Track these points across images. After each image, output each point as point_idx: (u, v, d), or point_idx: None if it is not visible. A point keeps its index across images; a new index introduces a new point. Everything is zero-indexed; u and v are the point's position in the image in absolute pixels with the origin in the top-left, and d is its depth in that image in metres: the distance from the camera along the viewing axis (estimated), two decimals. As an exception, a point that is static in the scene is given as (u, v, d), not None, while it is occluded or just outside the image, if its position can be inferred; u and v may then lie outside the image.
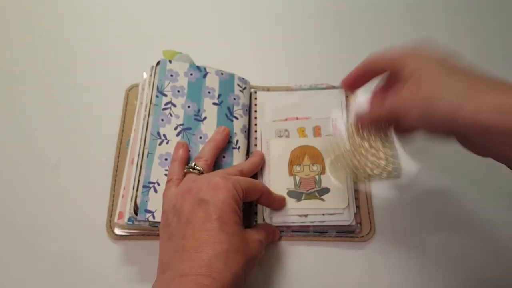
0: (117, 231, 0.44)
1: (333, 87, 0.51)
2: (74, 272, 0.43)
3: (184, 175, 0.41)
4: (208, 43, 0.57)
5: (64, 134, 0.51)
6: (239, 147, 0.46)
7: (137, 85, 0.52)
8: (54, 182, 0.48)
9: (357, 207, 0.44)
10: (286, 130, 0.48)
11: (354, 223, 0.43)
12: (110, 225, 0.45)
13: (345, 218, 0.42)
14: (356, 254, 0.43)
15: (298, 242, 0.44)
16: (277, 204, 0.43)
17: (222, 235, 0.33)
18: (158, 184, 0.42)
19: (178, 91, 0.47)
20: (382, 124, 0.37)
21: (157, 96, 0.46)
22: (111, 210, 0.46)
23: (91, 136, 0.51)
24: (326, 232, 0.44)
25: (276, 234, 0.43)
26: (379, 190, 0.46)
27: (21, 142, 0.51)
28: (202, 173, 0.40)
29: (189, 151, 0.44)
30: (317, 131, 0.47)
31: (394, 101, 0.33)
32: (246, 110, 0.49)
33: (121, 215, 0.43)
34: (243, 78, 0.50)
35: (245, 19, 0.60)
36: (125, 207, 0.43)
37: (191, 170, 0.40)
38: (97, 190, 0.47)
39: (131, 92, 0.52)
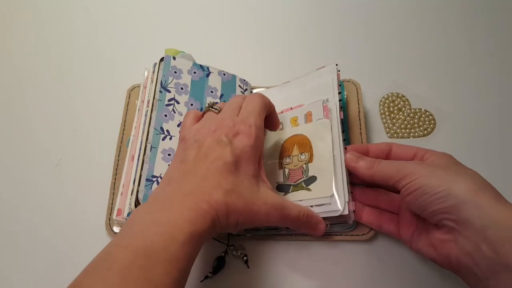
0: (116, 229, 0.44)
1: (323, 67, 0.49)
2: (73, 270, 0.42)
3: (203, 114, 0.42)
4: (208, 44, 0.58)
5: (66, 134, 0.52)
6: None
7: (138, 85, 0.53)
8: (55, 181, 0.49)
9: (352, 193, 0.41)
10: (281, 123, 0.47)
11: (346, 213, 0.38)
12: (109, 224, 0.45)
13: (334, 207, 0.39)
14: (355, 253, 0.42)
15: (297, 243, 0.43)
16: None
17: (231, 176, 0.35)
18: (161, 179, 0.41)
19: (182, 88, 0.47)
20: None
21: (160, 92, 0.46)
22: (110, 208, 0.46)
23: (92, 136, 0.52)
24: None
25: (318, 226, 0.40)
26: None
27: (23, 141, 0.52)
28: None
29: None
30: (308, 118, 0.45)
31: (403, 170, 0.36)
32: (247, 110, 0.49)
33: (119, 212, 0.42)
34: (244, 80, 0.51)
35: (244, 21, 0.61)
36: (124, 204, 0.42)
37: (210, 108, 0.42)
38: (97, 189, 0.47)
39: (133, 92, 0.53)
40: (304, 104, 0.47)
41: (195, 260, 0.41)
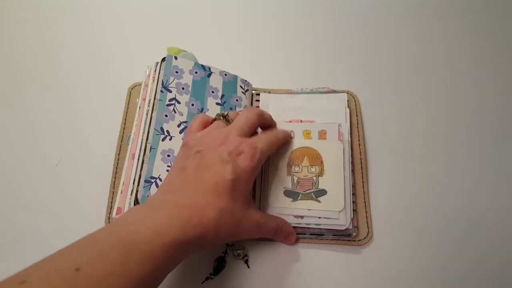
0: (115, 228, 0.44)
1: (334, 91, 0.51)
2: None
3: (211, 121, 0.42)
4: (208, 44, 0.57)
5: (66, 134, 0.51)
6: None
7: (139, 84, 0.52)
8: (55, 180, 0.48)
9: (355, 210, 0.45)
10: (292, 131, 0.48)
11: (350, 227, 0.43)
12: (108, 222, 0.45)
13: (341, 222, 0.43)
14: (353, 257, 0.44)
15: (295, 245, 0.44)
16: None
17: (226, 195, 0.35)
18: (160, 180, 0.42)
19: (183, 88, 0.47)
20: None
21: (161, 92, 0.45)
22: (110, 207, 0.45)
23: (92, 136, 0.51)
24: (323, 235, 0.44)
25: (290, 236, 0.43)
26: (378, 194, 0.47)
27: (23, 141, 0.51)
28: (229, 124, 0.42)
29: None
30: (322, 135, 0.48)
31: None
32: (248, 112, 0.50)
33: (119, 210, 0.42)
34: (245, 80, 0.51)
35: (244, 21, 0.61)
36: (124, 202, 0.42)
37: (221, 118, 0.42)
38: (97, 189, 0.47)
39: (134, 90, 0.52)
40: (316, 121, 0.49)
41: (195, 261, 0.42)
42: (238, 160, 0.37)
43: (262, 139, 0.41)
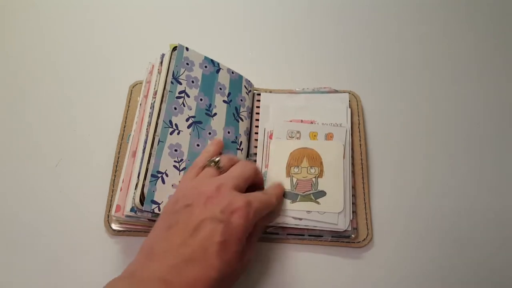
0: (114, 226, 0.44)
1: (336, 91, 0.52)
2: (73, 267, 0.43)
3: (203, 167, 0.40)
4: (209, 44, 0.57)
5: (66, 134, 0.51)
6: (242, 149, 0.47)
7: (140, 82, 0.52)
8: (55, 180, 0.48)
9: (354, 212, 0.44)
10: (298, 132, 0.48)
11: (349, 229, 0.42)
12: (108, 220, 0.44)
13: (340, 224, 0.42)
14: (352, 259, 0.43)
15: (294, 246, 0.44)
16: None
17: (217, 261, 0.33)
18: (167, 175, 0.41)
19: (193, 82, 0.46)
20: None
21: (172, 83, 0.44)
22: (109, 205, 0.45)
23: (92, 136, 0.51)
24: (322, 236, 0.43)
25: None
26: (379, 196, 0.47)
27: (23, 141, 0.50)
28: (221, 172, 0.40)
29: (221, 153, 0.44)
30: (329, 138, 0.47)
31: None
32: (249, 113, 0.50)
33: (118, 208, 0.41)
34: (249, 81, 0.51)
35: (244, 21, 0.61)
36: (123, 200, 0.42)
37: (212, 164, 0.40)
38: (97, 188, 0.46)
39: (135, 89, 0.52)
40: (317, 121, 0.49)
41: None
42: (232, 218, 0.35)
43: (258, 198, 0.38)
